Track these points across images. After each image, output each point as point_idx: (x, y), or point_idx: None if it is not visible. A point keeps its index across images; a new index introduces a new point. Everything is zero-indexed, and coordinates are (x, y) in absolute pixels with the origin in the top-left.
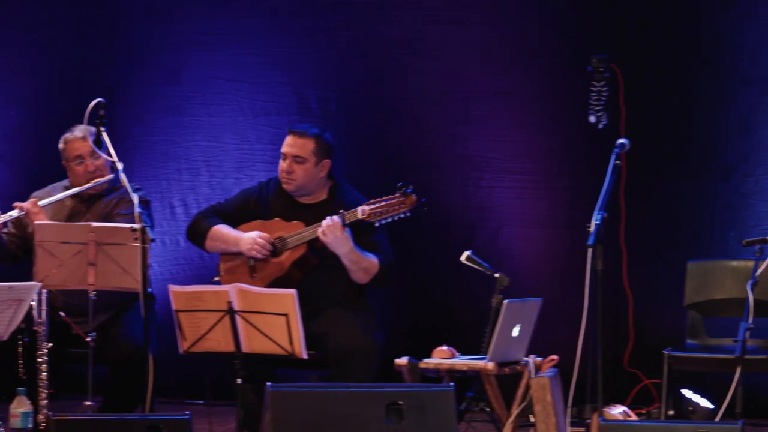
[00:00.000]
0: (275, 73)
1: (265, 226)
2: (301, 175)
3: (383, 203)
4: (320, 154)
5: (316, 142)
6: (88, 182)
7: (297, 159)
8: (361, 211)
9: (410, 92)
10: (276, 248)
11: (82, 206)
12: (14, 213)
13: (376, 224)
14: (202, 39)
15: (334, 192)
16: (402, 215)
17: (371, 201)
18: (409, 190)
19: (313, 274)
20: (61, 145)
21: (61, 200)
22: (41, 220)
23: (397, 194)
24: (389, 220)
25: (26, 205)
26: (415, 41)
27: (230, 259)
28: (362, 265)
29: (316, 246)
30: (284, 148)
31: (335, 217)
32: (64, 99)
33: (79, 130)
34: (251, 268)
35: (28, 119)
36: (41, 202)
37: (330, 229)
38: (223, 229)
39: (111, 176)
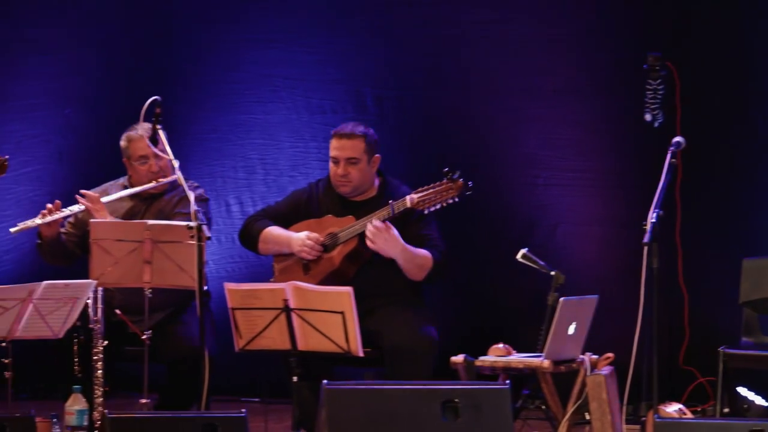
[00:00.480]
0: (330, 71)
1: (317, 224)
2: (357, 176)
3: (431, 190)
4: (370, 151)
5: (365, 140)
6: (149, 182)
7: (350, 160)
8: (410, 199)
9: (466, 91)
10: (328, 245)
11: (142, 205)
12: (75, 208)
13: (425, 212)
14: (257, 37)
15: (383, 187)
16: (450, 201)
17: (419, 189)
18: (456, 176)
19: (368, 272)
20: (123, 143)
21: (120, 198)
22: (103, 216)
23: (445, 180)
24: (438, 206)
25: (90, 195)
26: (471, 39)
27: (284, 259)
28: (416, 262)
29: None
30: (334, 152)
31: (376, 222)
32: (119, 97)
33: (143, 129)
34: (305, 266)
35: (84, 118)
36: (103, 199)
37: (375, 234)
38: (274, 231)
39: (173, 177)
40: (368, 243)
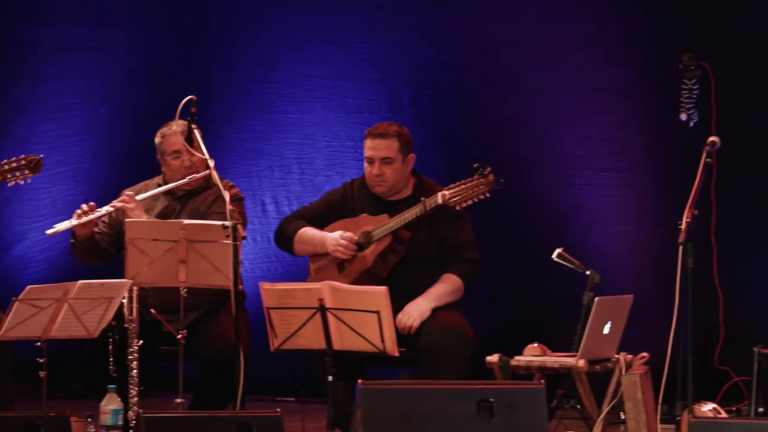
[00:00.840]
0: (366, 71)
1: (353, 223)
2: (392, 175)
3: (462, 186)
4: (405, 150)
5: (399, 139)
6: (183, 178)
7: (385, 160)
8: (442, 196)
9: (501, 90)
10: (362, 243)
11: (176, 203)
12: (109, 207)
13: (457, 208)
14: (294, 36)
15: (418, 187)
16: (482, 196)
17: (450, 185)
18: (487, 171)
19: (402, 271)
20: (157, 140)
21: (155, 197)
22: (137, 214)
23: (476, 176)
24: (470, 202)
25: (123, 197)
26: (506, 39)
27: (319, 259)
28: (450, 297)
29: (400, 237)
30: (369, 152)
31: (402, 318)
32: (155, 96)
33: (177, 125)
34: (339, 265)
35: (119, 117)
36: (137, 197)
37: (408, 316)
38: (308, 232)
39: (206, 172)
40: (407, 321)
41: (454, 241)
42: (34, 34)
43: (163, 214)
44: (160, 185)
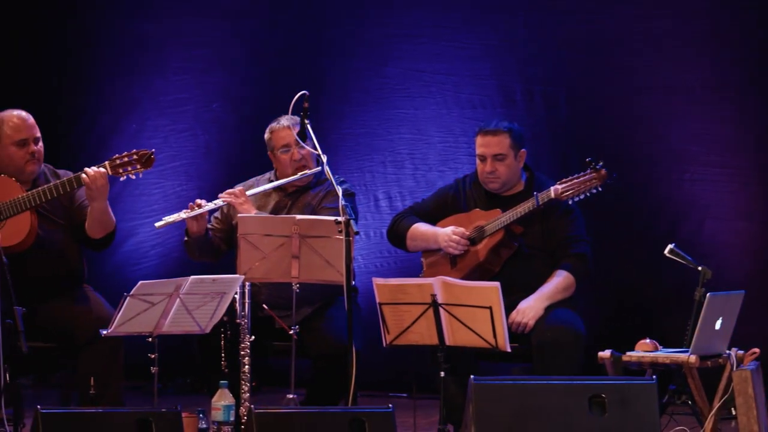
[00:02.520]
0: (480, 66)
1: (465, 218)
2: (504, 171)
3: (575, 180)
4: (516, 146)
5: (510, 135)
6: (294, 172)
7: (497, 157)
8: (554, 190)
9: (613, 86)
10: (474, 238)
11: (288, 199)
12: (219, 202)
13: (570, 202)
14: (407, 32)
15: (531, 182)
16: (594, 191)
17: (563, 180)
18: (599, 165)
19: (515, 266)
20: (267, 135)
21: (266, 193)
22: (247, 209)
23: (588, 170)
24: (582, 197)
25: (232, 192)
26: (617, 35)
27: (432, 254)
28: (562, 294)
29: (513, 231)
30: (480, 150)
31: (516, 317)
32: (267, 91)
33: (286, 120)
34: (452, 260)
35: (231, 112)
36: (248, 192)
37: (522, 315)
38: (421, 227)
39: (317, 168)
40: (521, 320)
41: (566, 236)
42: (146, 29)
43: (274, 211)
44: (271, 181)
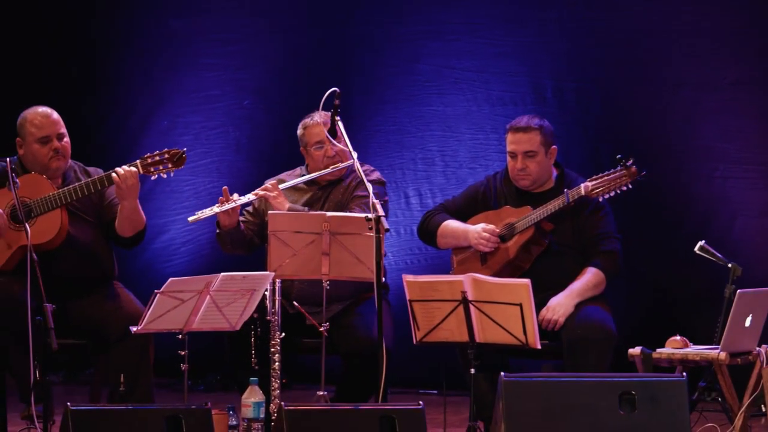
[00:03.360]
0: (510, 63)
1: (495, 215)
2: (535, 168)
3: (605, 177)
4: (547, 143)
5: (541, 132)
6: (327, 168)
7: (528, 154)
8: (584, 187)
9: (644, 83)
10: (504, 235)
11: (321, 193)
12: (251, 195)
13: (600, 199)
14: (438, 29)
15: (561, 179)
16: (624, 188)
17: (593, 177)
18: (629, 163)
19: (545, 263)
20: (299, 131)
21: (298, 187)
22: (280, 203)
23: (619, 167)
24: (612, 194)
25: (266, 186)
26: (649, 31)
27: (462, 251)
28: (593, 292)
29: (543, 228)
30: (511, 147)
31: (546, 314)
32: (298, 88)
33: (319, 116)
34: (482, 257)
35: (263, 109)
36: (281, 186)
37: (552, 312)
38: (451, 225)
39: (349, 162)
40: (551, 317)
41: (596, 233)
42: (178, 26)
43: (307, 204)
44: (303, 176)
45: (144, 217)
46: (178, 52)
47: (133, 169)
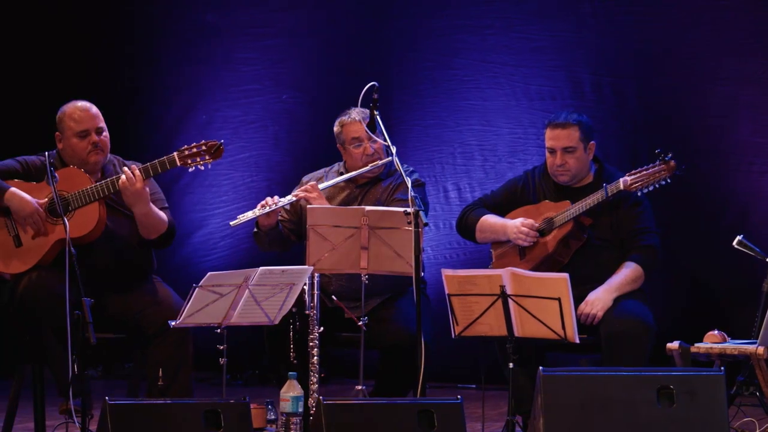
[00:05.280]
0: (548, 58)
1: (535, 209)
2: (574, 164)
3: (644, 172)
4: (586, 139)
5: (579, 128)
6: (365, 165)
7: (567, 150)
8: (623, 181)
9: (682, 77)
10: (543, 229)
11: (358, 191)
12: (291, 198)
13: (639, 193)
14: (476, 23)
15: (600, 174)
16: (663, 182)
17: (632, 171)
18: (668, 157)
19: (583, 258)
20: (336, 128)
21: (337, 185)
22: (320, 203)
23: (657, 162)
24: (650, 188)
25: (306, 187)
26: (686, 26)
27: (501, 246)
28: (631, 286)
29: (582, 223)
30: (550, 143)
31: (584, 308)
32: (336, 83)
33: (356, 113)
34: (520, 251)
35: (301, 103)
36: (320, 186)
37: (591, 306)
38: (490, 219)
39: (388, 159)
40: (590, 311)
41: (635, 228)
42: (215, 20)
43: (345, 203)
44: (341, 173)
45: (164, 219)
46: (217, 46)
47: (138, 173)
